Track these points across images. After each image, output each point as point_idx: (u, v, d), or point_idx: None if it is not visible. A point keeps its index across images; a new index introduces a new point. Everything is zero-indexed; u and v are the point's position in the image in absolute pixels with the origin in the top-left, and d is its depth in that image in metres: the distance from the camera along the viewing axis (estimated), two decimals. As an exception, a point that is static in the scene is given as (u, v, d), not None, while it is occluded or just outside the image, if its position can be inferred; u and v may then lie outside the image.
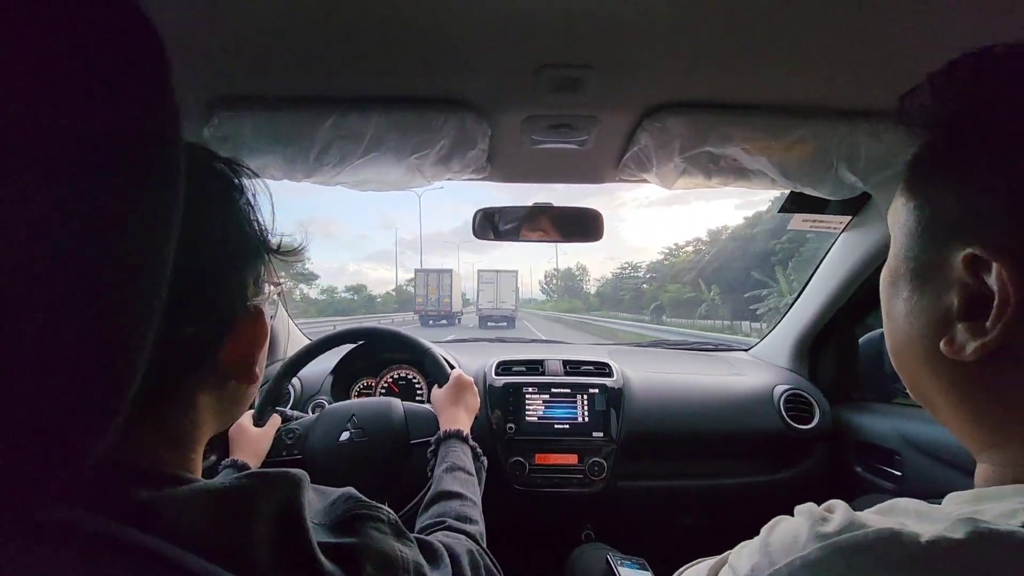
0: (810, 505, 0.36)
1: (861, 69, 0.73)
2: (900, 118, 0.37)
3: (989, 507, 0.31)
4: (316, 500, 0.41)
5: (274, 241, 0.43)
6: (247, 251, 0.40)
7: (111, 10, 0.22)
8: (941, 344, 0.34)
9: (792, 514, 0.37)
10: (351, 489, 0.44)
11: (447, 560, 0.51)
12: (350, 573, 0.36)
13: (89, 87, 0.21)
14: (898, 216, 0.39)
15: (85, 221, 0.21)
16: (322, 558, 0.35)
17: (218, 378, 0.40)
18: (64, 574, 0.25)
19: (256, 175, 0.42)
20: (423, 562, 0.45)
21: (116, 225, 0.22)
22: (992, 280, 0.31)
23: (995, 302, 0.31)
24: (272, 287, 0.44)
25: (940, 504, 0.34)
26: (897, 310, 0.38)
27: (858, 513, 0.34)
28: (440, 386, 0.99)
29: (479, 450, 0.86)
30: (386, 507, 0.43)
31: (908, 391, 0.41)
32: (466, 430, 0.87)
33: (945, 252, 0.34)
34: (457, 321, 27.57)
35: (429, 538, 0.53)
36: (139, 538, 0.28)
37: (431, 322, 26.46)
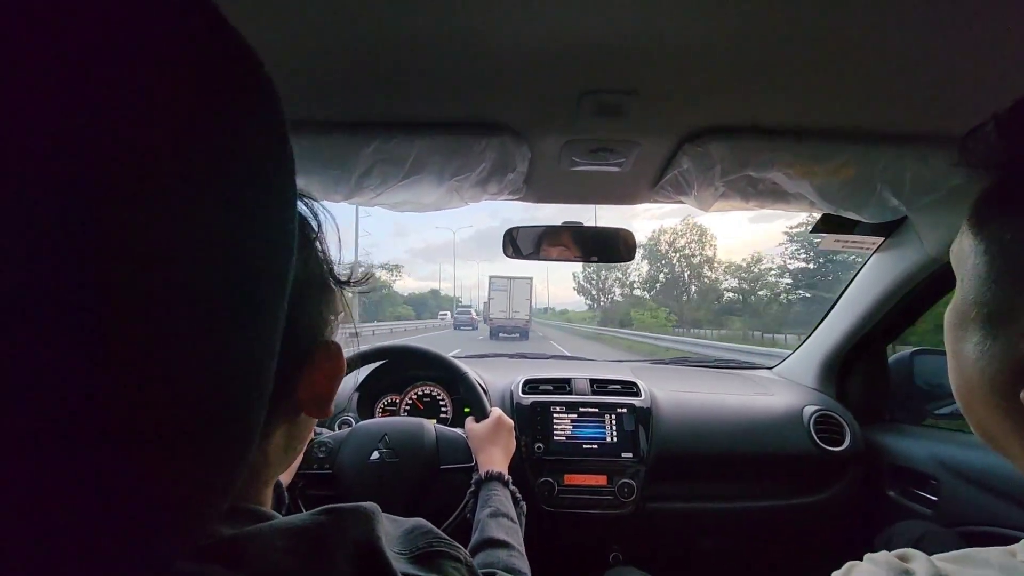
0: (885, 554, 0.35)
1: (909, 93, 0.73)
2: (962, 157, 0.36)
3: None
4: (389, 527, 0.41)
5: (343, 272, 0.43)
6: (322, 285, 0.40)
7: (233, 53, 0.22)
8: (1021, 394, 0.33)
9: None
10: (424, 521, 0.44)
11: None
12: None
13: (226, 131, 0.21)
14: (965, 257, 0.38)
15: (220, 249, 0.21)
16: None
17: (291, 412, 0.40)
18: None
19: (321, 204, 0.42)
20: None
21: (252, 253, 0.23)
22: None
23: None
24: (335, 316, 0.44)
25: (1014, 549, 0.33)
26: (966, 353, 0.37)
27: (938, 564, 0.33)
28: (477, 419, 0.98)
29: (519, 495, 0.85)
30: (463, 548, 0.43)
31: (974, 431, 0.41)
32: (506, 473, 0.86)
33: (1020, 300, 0.33)
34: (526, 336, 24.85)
35: None
36: None
37: (501, 334, 24.11)
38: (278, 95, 0.25)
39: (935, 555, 0.35)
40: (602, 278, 56.99)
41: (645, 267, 51.65)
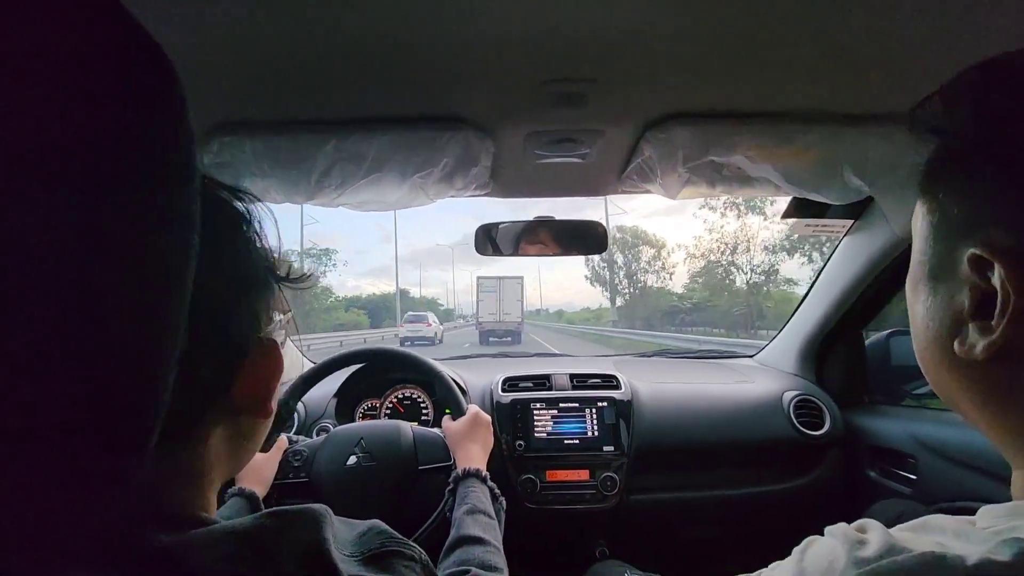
0: (843, 526, 0.35)
1: (867, 73, 0.73)
2: (912, 125, 0.38)
3: None
4: (343, 530, 0.40)
5: (282, 268, 0.42)
6: (257, 281, 0.39)
7: (125, 37, 0.22)
8: (955, 344, 0.34)
9: (811, 523, 0.36)
10: (379, 522, 0.43)
11: None
12: None
13: (103, 112, 0.20)
14: (917, 221, 0.39)
15: (102, 242, 0.20)
16: None
17: (231, 412, 0.39)
18: None
19: (258, 200, 0.41)
20: None
21: (133, 247, 0.22)
22: (995, 280, 0.31)
23: (998, 300, 0.31)
24: (282, 315, 0.43)
25: (973, 519, 0.33)
26: (917, 313, 0.39)
27: (893, 532, 0.33)
28: (454, 417, 0.97)
29: (497, 491, 0.84)
30: (417, 546, 0.42)
31: (936, 393, 0.41)
32: (484, 470, 0.85)
33: (955, 253, 0.34)
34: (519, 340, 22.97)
35: None
36: None
37: (492, 339, 22.54)
38: (182, 95, 0.24)
39: (896, 526, 0.35)
40: (631, 258, 36.94)
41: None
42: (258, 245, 0.40)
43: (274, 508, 0.36)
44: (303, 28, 0.62)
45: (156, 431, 0.24)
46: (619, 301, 38.40)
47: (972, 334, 0.33)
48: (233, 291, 0.37)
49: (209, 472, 0.38)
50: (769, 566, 0.38)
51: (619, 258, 37.62)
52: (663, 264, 36.32)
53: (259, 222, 0.40)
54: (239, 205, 0.39)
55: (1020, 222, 0.32)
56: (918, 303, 0.39)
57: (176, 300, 0.25)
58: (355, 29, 0.62)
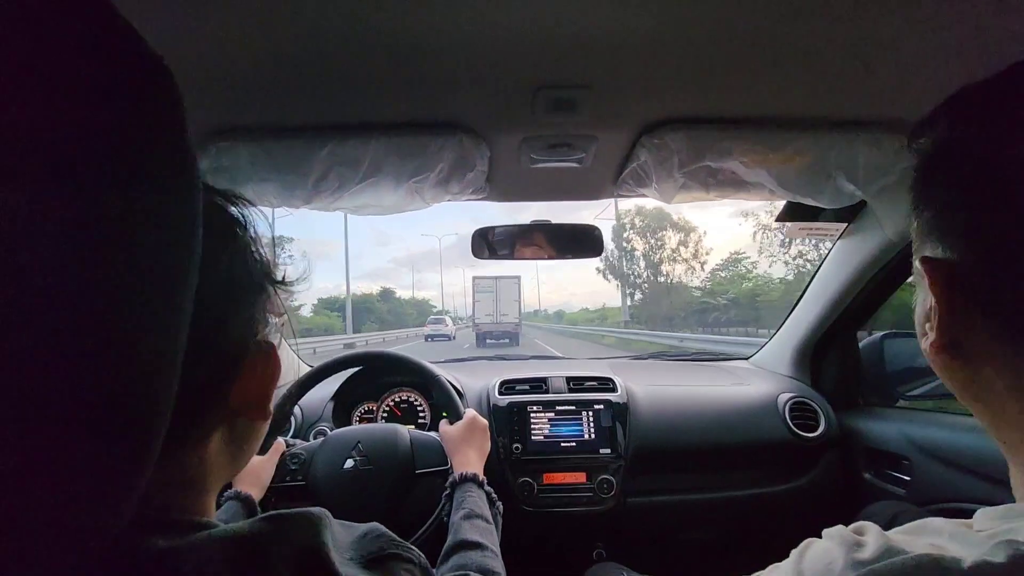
0: (840, 528, 0.36)
1: (857, 81, 0.74)
2: (909, 143, 0.41)
3: (1022, 524, 0.30)
4: (341, 533, 0.40)
5: (278, 272, 0.43)
6: (253, 285, 0.39)
7: (118, 40, 0.22)
8: (923, 341, 0.38)
9: (809, 525, 0.37)
10: (378, 525, 0.43)
11: None
12: None
13: (100, 113, 0.21)
14: None
15: (104, 243, 0.21)
16: None
17: (229, 417, 0.39)
18: None
19: (254, 204, 0.41)
20: None
21: (135, 248, 0.22)
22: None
23: (932, 304, 0.36)
24: (276, 318, 0.43)
25: (970, 521, 0.34)
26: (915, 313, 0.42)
27: (890, 535, 0.33)
28: (451, 421, 0.97)
29: (495, 495, 0.84)
30: (416, 549, 0.43)
31: None
32: (481, 474, 0.85)
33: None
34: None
35: None
36: None
37: (489, 341, 21.77)
38: (177, 96, 0.24)
39: (893, 528, 0.35)
40: (654, 244, 30.04)
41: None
42: (253, 250, 0.40)
43: (272, 512, 0.36)
44: (298, 34, 0.62)
45: (160, 436, 0.24)
46: (632, 298, 32.11)
47: (928, 334, 0.37)
48: (230, 295, 0.37)
49: (209, 476, 0.38)
50: (767, 568, 0.39)
51: (639, 246, 32.05)
52: (694, 251, 29.84)
53: (254, 227, 0.40)
54: (234, 210, 0.39)
55: (944, 235, 0.36)
56: (915, 304, 0.42)
57: (179, 302, 0.25)
58: (349, 35, 0.62)
